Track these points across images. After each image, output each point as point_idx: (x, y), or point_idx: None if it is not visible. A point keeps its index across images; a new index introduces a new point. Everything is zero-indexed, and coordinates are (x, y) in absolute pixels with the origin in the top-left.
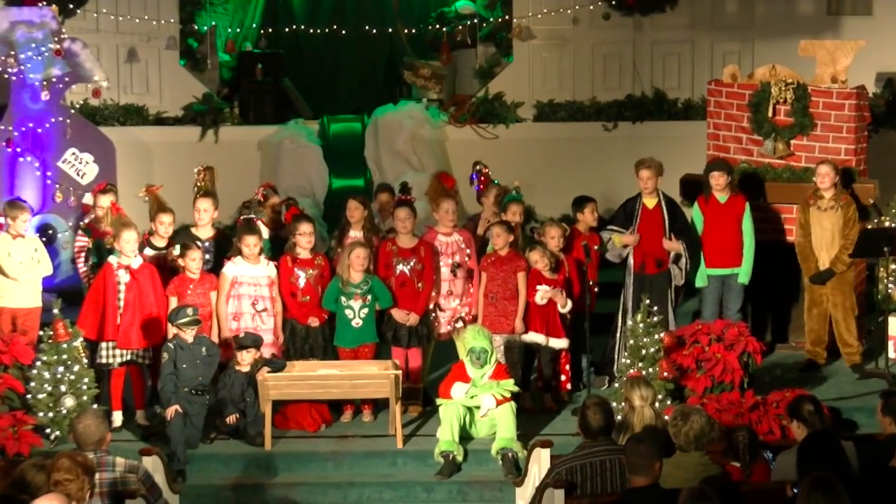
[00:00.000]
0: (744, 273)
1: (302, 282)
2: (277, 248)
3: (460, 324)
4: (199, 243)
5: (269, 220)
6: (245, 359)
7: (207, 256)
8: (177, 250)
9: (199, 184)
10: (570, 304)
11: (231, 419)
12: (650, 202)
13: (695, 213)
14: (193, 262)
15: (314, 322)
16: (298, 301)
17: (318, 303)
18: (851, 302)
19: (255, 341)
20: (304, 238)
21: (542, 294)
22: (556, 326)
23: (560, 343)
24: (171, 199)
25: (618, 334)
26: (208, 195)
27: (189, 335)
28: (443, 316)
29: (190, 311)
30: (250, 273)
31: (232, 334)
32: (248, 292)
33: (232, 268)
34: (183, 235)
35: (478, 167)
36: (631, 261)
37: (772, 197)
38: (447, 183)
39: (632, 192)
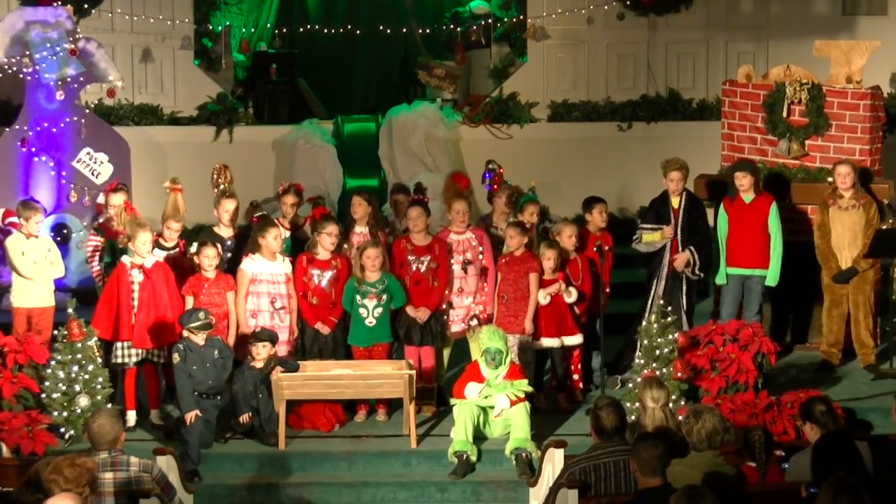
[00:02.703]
0: (771, 276)
1: (314, 283)
2: (296, 249)
3: (475, 322)
4: (221, 243)
5: (287, 220)
6: (261, 353)
7: (229, 255)
8: (193, 247)
9: (222, 184)
10: (574, 293)
11: (244, 418)
12: (675, 201)
13: (720, 214)
14: (207, 260)
15: (324, 329)
16: (308, 302)
17: (329, 305)
18: (871, 302)
19: (271, 336)
20: (329, 239)
21: (544, 294)
22: (568, 325)
23: (574, 340)
24: (185, 198)
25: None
26: (233, 196)
27: (200, 339)
28: (455, 314)
29: (202, 314)
30: (269, 270)
31: (250, 331)
32: (267, 290)
33: (250, 265)
34: (205, 234)
35: (491, 166)
36: (666, 260)
37: (793, 197)
38: (461, 183)
39: (646, 192)
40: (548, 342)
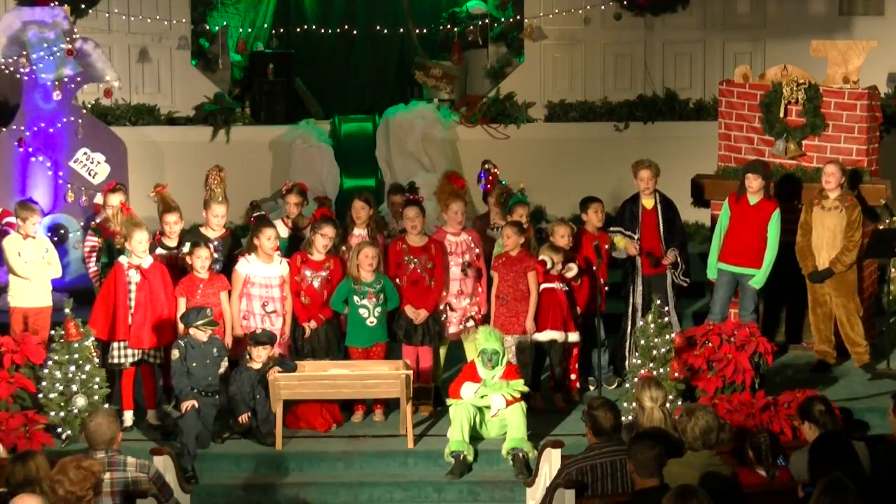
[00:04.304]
0: (758, 279)
1: (307, 283)
2: (294, 248)
3: (471, 323)
4: (207, 244)
5: (290, 219)
6: (261, 355)
7: (217, 255)
8: (186, 247)
9: (216, 187)
10: (574, 267)
11: (243, 418)
12: (648, 203)
13: (723, 209)
14: (199, 261)
15: (311, 324)
16: (300, 301)
17: (320, 305)
18: (855, 303)
19: (270, 338)
20: (323, 240)
21: (567, 269)
22: (570, 322)
23: (573, 337)
24: (181, 198)
25: (627, 332)
26: (224, 201)
27: (204, 336)
28: (454, 315)
29: (208, 311)
30: (263, 273)
31: (242, 332)
32: (259, 293)
33: (245, 266)
34: (193, 234)
35: (487, 166)
36: (639, 261)
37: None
38: (457, 183)
39: None
40: (552, 334)
